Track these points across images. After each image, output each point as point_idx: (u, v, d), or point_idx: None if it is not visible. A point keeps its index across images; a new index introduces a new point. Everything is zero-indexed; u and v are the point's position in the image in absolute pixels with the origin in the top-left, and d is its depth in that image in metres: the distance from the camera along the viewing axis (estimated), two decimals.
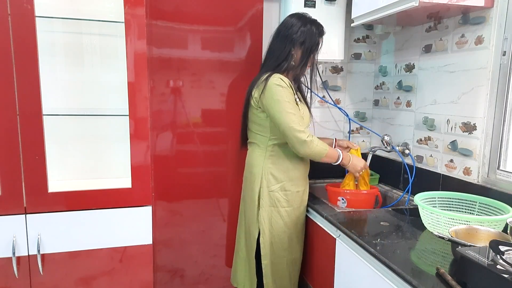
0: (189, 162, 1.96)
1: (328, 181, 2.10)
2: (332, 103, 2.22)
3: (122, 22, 1.50)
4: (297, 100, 1.64)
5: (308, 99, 1.79)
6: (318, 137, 1.64)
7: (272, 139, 1.65)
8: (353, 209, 1.68)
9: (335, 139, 1.91)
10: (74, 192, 1.55)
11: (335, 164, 1.69)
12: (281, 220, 1.67)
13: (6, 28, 1.39)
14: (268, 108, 1.58)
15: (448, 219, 1.29)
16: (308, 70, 1.72)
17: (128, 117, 1.55)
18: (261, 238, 1.66)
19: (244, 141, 1.80)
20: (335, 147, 1.86)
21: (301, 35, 1.60)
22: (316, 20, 1.66)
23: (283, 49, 1.61)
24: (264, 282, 1.68)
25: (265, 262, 1.68)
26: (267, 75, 1.59)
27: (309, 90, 1.81)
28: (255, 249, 1.70)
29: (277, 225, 1.67)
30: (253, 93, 1.63)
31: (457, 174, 1.67)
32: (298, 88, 1.76)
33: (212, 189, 2.01)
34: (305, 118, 1.67)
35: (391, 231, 1.40)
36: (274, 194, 1.65)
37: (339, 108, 2.23)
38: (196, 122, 1.94)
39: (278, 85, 1.55)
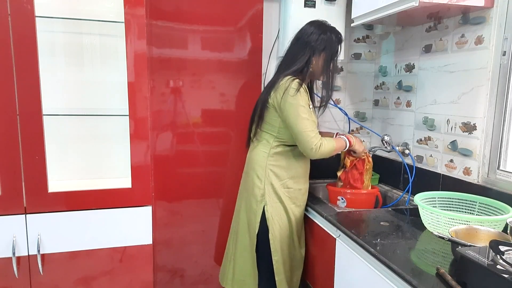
0: (189, 162, 1.96)
1: (328, 181, 2.10)
2: (332, 103, 2.22)
3: (122, 22, 1.50)
4: (310, 106, 1.66)
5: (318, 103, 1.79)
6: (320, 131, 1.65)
7: (278, 139, 1.67)
8: (353, 209, 1.68)
9: (336, 133, 1.87)
10: (74, 192, 1.55)
11: (345, 150, 1.75)
12: (287, 216, 1.68)
13: (6, 28, 1.39)
14: (284, 111, 1.59)
15: (448, 219, 1.29)
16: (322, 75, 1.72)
17: (128, 117, 1.56)
18: (270, 235, 1.66)
19: (249, 140, 1.80)
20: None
21: (321, 42, 1.62)
22: (335, 28, 1.68)
23: (302, 55, 1.63)
24: (276, 279, 1.68)
25: (275, 258, 1.67)
26: (286, 78, 1.61)
27: (316, 96, 1.82)
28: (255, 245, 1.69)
29: (285, 222, 1.68)
30: (270, 95, 1.64)
31: (457, 174, 1.67)
32: (310, 93, 1.77)
33: (212, 189, 2.01)
34: (315, 123, 1.69)
35: (391, 231, 1.40)
36: (278, 191, 1.66)
37: (339, 108, 2.23)
38: (196, 122, 1.94)
39: (297, 90, 1.57)
